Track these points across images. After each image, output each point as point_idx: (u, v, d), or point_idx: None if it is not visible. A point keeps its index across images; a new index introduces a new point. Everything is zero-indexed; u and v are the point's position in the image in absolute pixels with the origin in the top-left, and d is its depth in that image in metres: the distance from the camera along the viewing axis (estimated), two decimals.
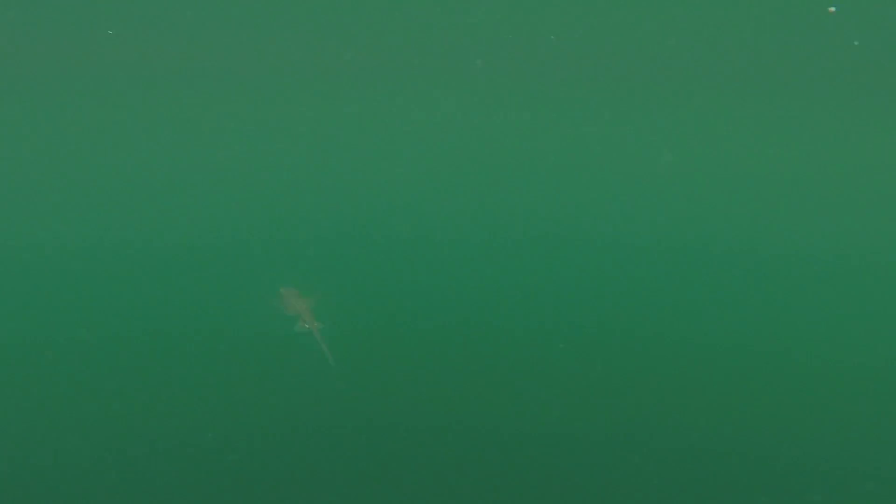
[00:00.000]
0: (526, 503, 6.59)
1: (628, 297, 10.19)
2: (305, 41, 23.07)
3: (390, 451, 7.18)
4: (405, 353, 8.81)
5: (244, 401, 7.90)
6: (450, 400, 7.91)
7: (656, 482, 6.71)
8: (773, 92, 20.60)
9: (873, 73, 21.23)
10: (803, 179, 14.34)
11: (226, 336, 9.11)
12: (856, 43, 20.02)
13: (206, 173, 15.34)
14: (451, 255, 11.81)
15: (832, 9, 17.57)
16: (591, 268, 10.90)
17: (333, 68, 23.00)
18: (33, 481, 6.70)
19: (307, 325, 8.61)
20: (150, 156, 16.12)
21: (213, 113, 19.54)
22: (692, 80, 21.74)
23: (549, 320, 9.71)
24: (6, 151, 17.10)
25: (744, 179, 13.64)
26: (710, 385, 8.27)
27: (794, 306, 10.04)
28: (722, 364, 8.64)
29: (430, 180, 15.02)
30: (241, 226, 12.81)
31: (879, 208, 12.50)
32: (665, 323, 9.57)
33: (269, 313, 9.35)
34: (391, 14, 21.08)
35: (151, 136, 17.60)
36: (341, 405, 7.85)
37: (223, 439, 7.33)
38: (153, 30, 21.54)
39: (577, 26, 20.97)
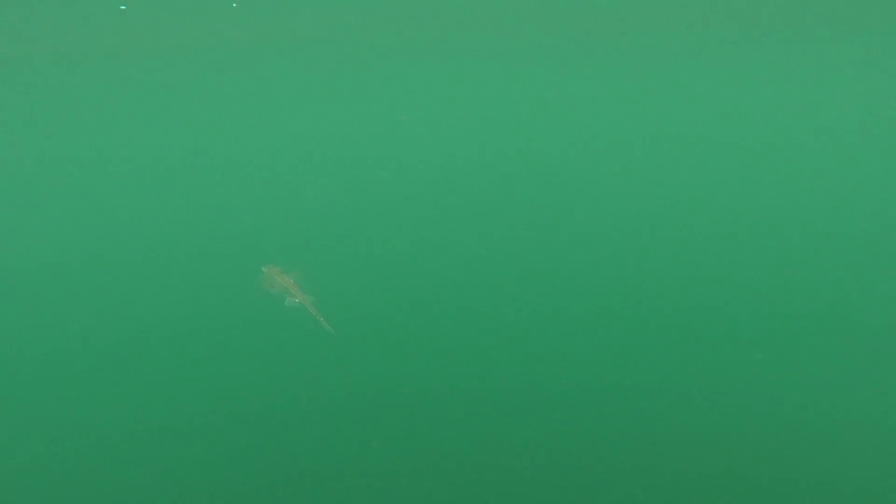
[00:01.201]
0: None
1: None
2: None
3: (393, 421, 7.15)
4: (399, 321, 8.71)
5: (245, 380, 7.88)
6: (447, 366, 7.85)
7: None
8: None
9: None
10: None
11: (216, 317, 9.04)
12: None
13: (176, 152, 14.91)
14: (436, 220, 11.37)
15: None
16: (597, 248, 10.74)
17: (313, 35, 22.51)
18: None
19: (297, 300, 8.72)
20: (128, 137, 15.70)
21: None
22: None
23: (542, 284, 9.40)
24: None
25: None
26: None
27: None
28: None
29: (412, 145, 14.69)
30: (216, 206, 12.26)
31: None
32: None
33: (255, 292, 9.19)
34: None
35: (126, 114, 17.14)
36: (345, 375, 7.83)
37: (226, 422, 7.28)
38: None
39: None
